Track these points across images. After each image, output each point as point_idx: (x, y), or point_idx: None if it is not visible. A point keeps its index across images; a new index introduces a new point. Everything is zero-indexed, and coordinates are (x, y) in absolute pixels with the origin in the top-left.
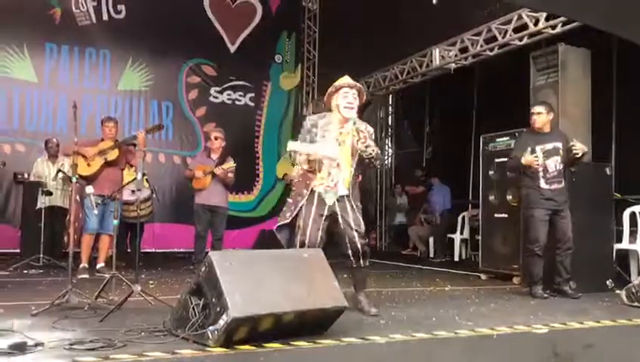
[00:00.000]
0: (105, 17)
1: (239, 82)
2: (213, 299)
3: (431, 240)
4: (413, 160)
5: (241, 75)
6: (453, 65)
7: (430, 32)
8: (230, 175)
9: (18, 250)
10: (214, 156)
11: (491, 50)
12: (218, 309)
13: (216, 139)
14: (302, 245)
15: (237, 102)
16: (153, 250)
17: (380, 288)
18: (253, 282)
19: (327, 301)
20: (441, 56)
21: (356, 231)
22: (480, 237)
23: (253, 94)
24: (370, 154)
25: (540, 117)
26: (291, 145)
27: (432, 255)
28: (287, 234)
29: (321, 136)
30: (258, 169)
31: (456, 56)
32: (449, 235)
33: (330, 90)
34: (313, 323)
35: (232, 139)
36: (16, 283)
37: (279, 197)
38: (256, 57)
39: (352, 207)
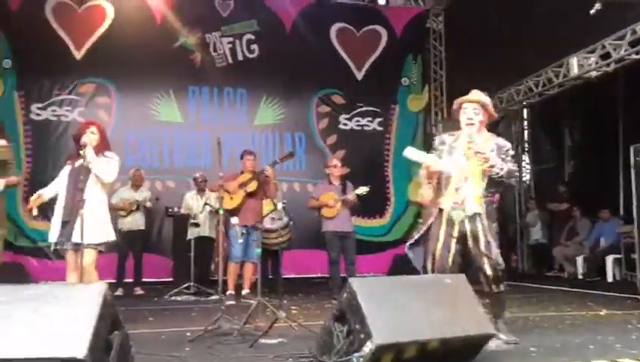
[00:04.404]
0: (240, 57)
1: (367, 108)
2: (357, 326)
3: (579, 259)
4: (553, 175)
5: (369, 100)
6: (594, 73)
7: (565, 41)
8: (356, 199)
9: (171, 279)
10: (336, 182)
11: (638, 53)
12: (362, 336)
13: (335, 166)
14: (432, 267)
15: (366, 128)
16: (292, 276)
17: (527, 313)
18: (396, 309)
19: (473, 328)
20: (579, 64)
21: (486, 256)
22: (637, 256)
23: (381, 118)
24: (497, 173)
25: None
26: (406, 152)
27: (580, 276)
28: (418, 255)
29: (447, 152)
30: (389, 193)
31: (596, 63)
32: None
33: (454, 106)
34: (459, 352)
35: (362, 164)
36: (171, 310)
37: (412, 220)
38: (383, 82)
39: (483, 227)
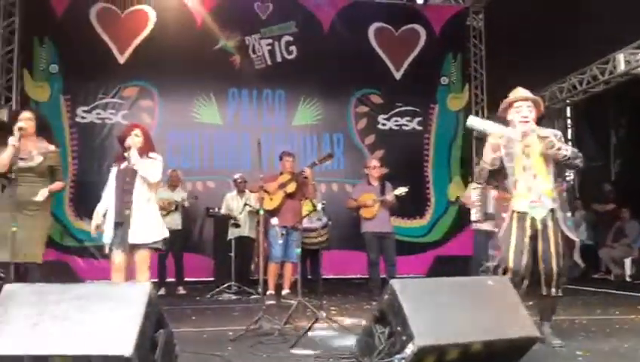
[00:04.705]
0: (278, 59)
1: (406, 107)
2: (398, 328)
3: (627, 261)
4: (598, 175)
5: (408, 100)
6: None
7: (609, 38)
8: (395, 200)
9: (212, 278)
10: (375, 183)
11: None
12: (404, 338)
13: (374, 167)
14: (505, 271)
15: (404, 128)
16: (331, 276)
17: (572, 316)
18: (438, 310)
19: (517, 330)
20: (626, 61)
21: (556, 253)
22: None
23: (420, 118)
24: (565, 155)
25: None
26: (471, 120)
27: (628, 278)
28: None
29: (506, 154)
30: (429, 193)
31: None
32: None
33: (503, 105)
34: (502, 355)
35: (401, 164)
36: (213, 309)
37: (452, 221)
38: (422, 81)
39: (556, 224)
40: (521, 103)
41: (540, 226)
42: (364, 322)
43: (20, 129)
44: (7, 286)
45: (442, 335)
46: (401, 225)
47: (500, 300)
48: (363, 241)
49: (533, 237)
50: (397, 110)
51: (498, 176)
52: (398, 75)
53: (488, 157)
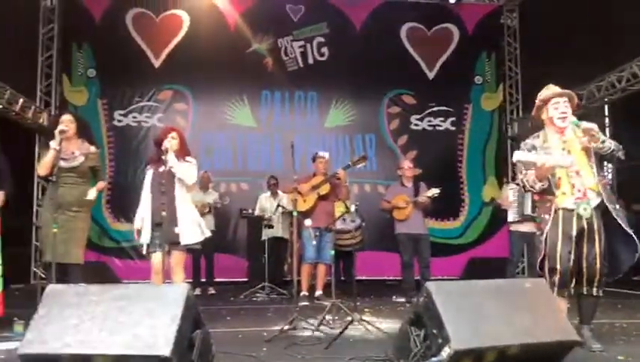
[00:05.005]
0: (310, 61)
1: (439, 107)
2: (434, 330)
3: None
4: (638, 174)
5: (441, 100)
6: None
7: None
8: (428, 201)
9: (246, 279)
10: (408, 184)
11: None
12: (440, 341)
13: (407, 168)
14: (552, 272)
15: (438, 128)
16: (364, 278)
17: (612, 320)
18: (474, 313)
19: (555, 334)
20: None
21: (599, 253)
22: None
23: (454, 118)
24: (610, 147)
25: None
26: (517, 155)
27: None
28: None
29: (544, 154)
30: (463, 194)
31: None
32: None
33: (537, 103)
34: (540, 359)
35: (434, 165)
36: (247, 309)
37: (487, 222)
38: (456, 81)
39: (600, 221)
40: (558, 100)
41: (585, 224)
42: (398, 324)
43: (62, 132)
44: (50, 287)
45: (479, 338)
46: (434, 227)
47: (538, 303)
48: (397, 243)
49: (578, 236)
50: (430, 110)
51: None
52: (431, 75)
53: (537, 185)
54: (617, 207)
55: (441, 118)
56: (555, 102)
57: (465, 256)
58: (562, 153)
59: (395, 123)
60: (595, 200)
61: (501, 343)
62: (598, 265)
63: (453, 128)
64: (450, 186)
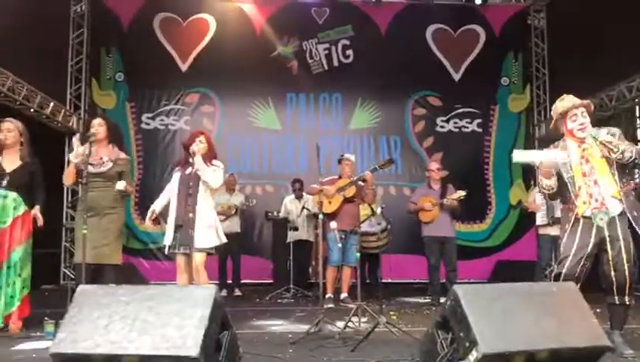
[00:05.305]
0: (335, 63)
1: (465, 109)
2: (461, 334)
3: None
4: None
5: (467, 101)
6: None
7: None
8: (455, 203)
9: (271, 281)
10: (435, 186)
11: None
12: (467, 344)
13: (434, 170)
14: (557, 278)
15: (464, 130)
16: (389, 281)
17: None
18: (502, 317)
19: (585, 339)
20: None
21: (627, 260)
22: None
23: (480, 120)
24: (630, 156)
25: None
26: (515, 156)
27: None
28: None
29: (562, 165)
30: (489, 196)
31: None
32: None
33: (555, 117)
34: None
35: (460, 167)
36: (273, 311)
37: (514, 225)
38: (482, 82)
39: (623, 231)
40: (575, 111)
41: (607, 234)
42: (424, 327)
43: (91, 135)
44: (80, 287)
45: (507, 342)
46: (460, 230)
47: (568, 307)
48: (422, 245)
49: (599, 245)
50: (456, 112)
51: (562, 189)
52: (457, 77)
53: (544, 183)
54: (635, 214)
55: (468, 120)
56: (573, 115)
57: (492, 259)
58: (580, 162)
59: (421, 125)
60: (615, 209)
61: (530, 348)
62: (627, 272)
63: (480, 130)
64: (476, 189)
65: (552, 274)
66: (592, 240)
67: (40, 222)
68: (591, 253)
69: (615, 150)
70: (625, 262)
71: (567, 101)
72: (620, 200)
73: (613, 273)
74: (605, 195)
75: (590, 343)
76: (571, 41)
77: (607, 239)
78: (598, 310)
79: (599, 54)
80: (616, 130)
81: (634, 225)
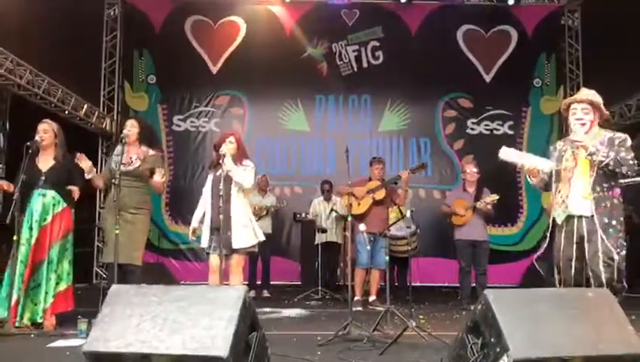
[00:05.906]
0: (364, 65)
1: (497, 111)
2: (492, 339)
3: None
4: None
5: (499, 103)
6: None
7: None
8: (489, 207)
9: (299, 282)
10: (470, 189)
11: None
12: (498, 349)
13: (470, 172)
14: (559, 282)
15: (495, 132)
16: (418, 284)
17: None
18: (534, 323)
19: (620, 346)
20: None
21: (603, 262)
22: None
23: (512, 122)
24: (602, 161)
25: None
26: (501, 154)
27: None
28: (545, 266)
29: (557, 158)
30: (521, 200)
31: None
32: None
33: (562, 106)
34: None
35: (492, 170)
36: (301, 313)
37: (546, 228)
38: (514, 83)
39: (598, 229)
40: (576, 106)
41: (584, 233)
42: (453, 332)
43: (123, 136)
44: (114, 287)
45: (539, 348)
46: (491, 233)
47: (602, 313)
48: (452, 248)
49: (580, 243)
50: (487, 114)
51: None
52: (488, 78)
53: (531, 181)
54: (613, 223)
55: (499, 122)
56: (573, 109)
57: (524, 263)
58: (568, 159)
59: (451, 127)
60: (584, 210)
61: (562, 354)
62: (602, 277)
63: (512, 132)
64: (508, 192)
65: (556, 281)
66: (575, 239)
67: (76, 194)
68: (577, 253)
69: (591, 151)
70: (601, 265)
71: (578, 94)
72: (590, 203)
73: (591, 269)
74: (574, 195)
75: (626, 351)
76: (606, 41)
77: (585, 239)
78: (632, 317)
79: (635, 55)
80: (623, 135)
81: (600, 233)
